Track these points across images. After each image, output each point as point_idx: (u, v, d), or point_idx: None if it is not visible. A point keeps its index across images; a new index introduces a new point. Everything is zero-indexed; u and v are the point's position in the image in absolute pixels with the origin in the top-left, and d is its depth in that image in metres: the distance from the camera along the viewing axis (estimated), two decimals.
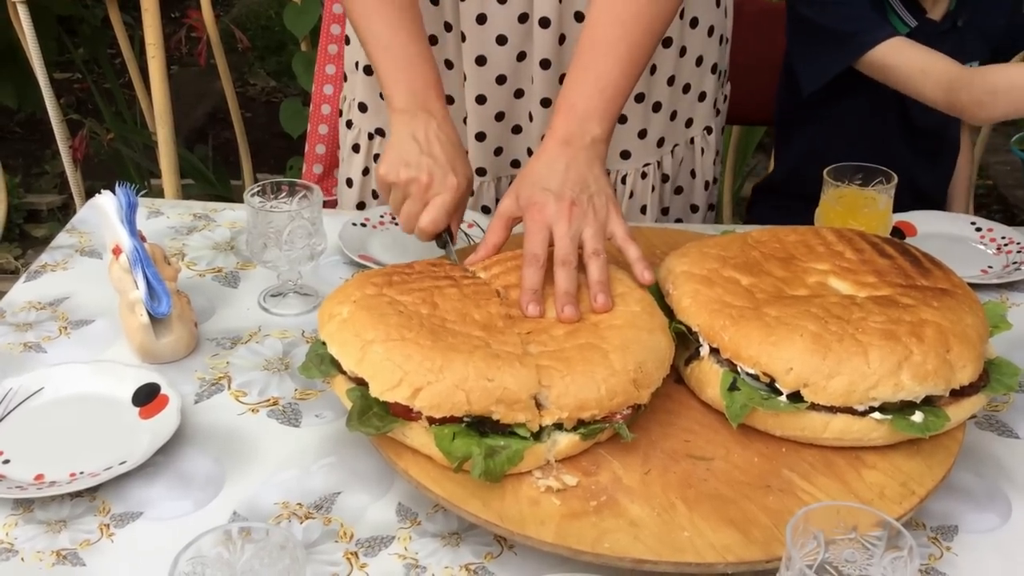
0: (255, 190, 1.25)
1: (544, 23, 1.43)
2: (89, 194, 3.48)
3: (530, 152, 1.55)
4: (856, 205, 1.35)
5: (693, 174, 1.64)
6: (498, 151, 1.57)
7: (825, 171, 1.37)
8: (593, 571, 0.88)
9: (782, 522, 0.88)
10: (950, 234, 1.49)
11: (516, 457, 0.92)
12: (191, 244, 1.42)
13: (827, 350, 0.96)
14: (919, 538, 0.96)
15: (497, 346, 0.96)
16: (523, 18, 1.44)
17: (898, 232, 1.48)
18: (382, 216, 1.49)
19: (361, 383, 0.96)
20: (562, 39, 1.45)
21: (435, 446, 0.92)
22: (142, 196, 1.37)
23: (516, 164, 1.58)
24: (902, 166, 1.45)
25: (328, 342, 0.99)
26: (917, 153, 1.74)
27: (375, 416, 0.94)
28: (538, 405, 0.94)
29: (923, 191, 1.75)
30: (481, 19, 1.44)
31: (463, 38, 1.46)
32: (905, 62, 1.53)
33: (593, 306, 1.04)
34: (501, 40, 1.45)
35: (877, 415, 0.96)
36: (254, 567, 0.76)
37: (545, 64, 1.46)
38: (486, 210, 1.60)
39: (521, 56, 1.47)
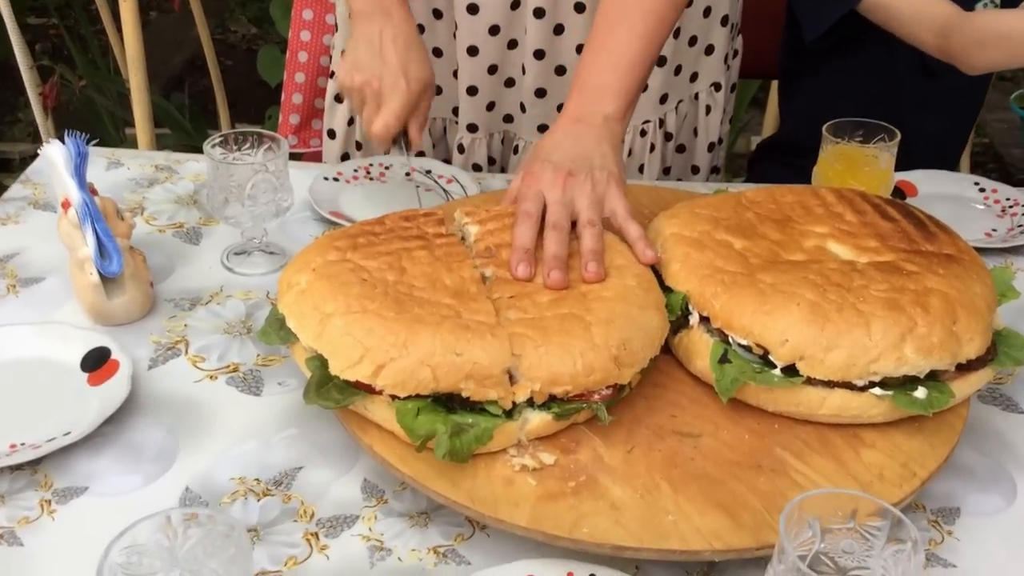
0: (216, 140, 1.17)
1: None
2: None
3: (523, 108, 1.47)
4: (856, 163, 1.28)
5: (696, 132, 1.57)
6: (490, 106, 1.48)
7: (824, 127, 1.29)
8: (571, 556, 0.81)
9: (774, 505, 0.82)
10: (952, 195, 1.42)
11: (485, 436, 0.85)
12: (151, 198, 1.34)
13: (825, 320, 0.89)
14: (918, 521, 0.90)
15: (468, 315, 0.89)
16: None
17: (898, 192, 1.41)
18: (356, 170, 1.41)
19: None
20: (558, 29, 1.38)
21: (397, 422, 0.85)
22: (103, 146, 1.30)
23: (508, 119, 1.50)
24: (916, 115, 1.37)
25: (286, 314, 0.91)
26: (932, 101, 1.64)
27: (335, 388, 0.87)
28: (511, 379, 0.87)
29: (939, 141, 1.67)
30: None
31: None
32: (902, 2, 1.44)
33: (584, 275, 0.97)
34: None
35: (877, 391, 0.89)
36: (197, 555, 0.69)
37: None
38: (477, 168, 1.52)
39: (515, 4, 1.39)
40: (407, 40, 1.20)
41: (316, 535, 0.86)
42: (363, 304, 0.87)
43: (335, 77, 1.23)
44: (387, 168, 1.42)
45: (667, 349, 0.99)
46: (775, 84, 2.09)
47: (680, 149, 1.56)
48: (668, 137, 1.53)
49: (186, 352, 1.07)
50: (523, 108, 1.46)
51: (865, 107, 1.41)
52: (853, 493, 0.72)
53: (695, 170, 1.60)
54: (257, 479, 0.92)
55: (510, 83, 1.46)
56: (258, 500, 0.89)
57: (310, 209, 1.32)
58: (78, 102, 3.02)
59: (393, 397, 0.85)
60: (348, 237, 0.97)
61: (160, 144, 2.51)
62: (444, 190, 1.37)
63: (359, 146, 1.56)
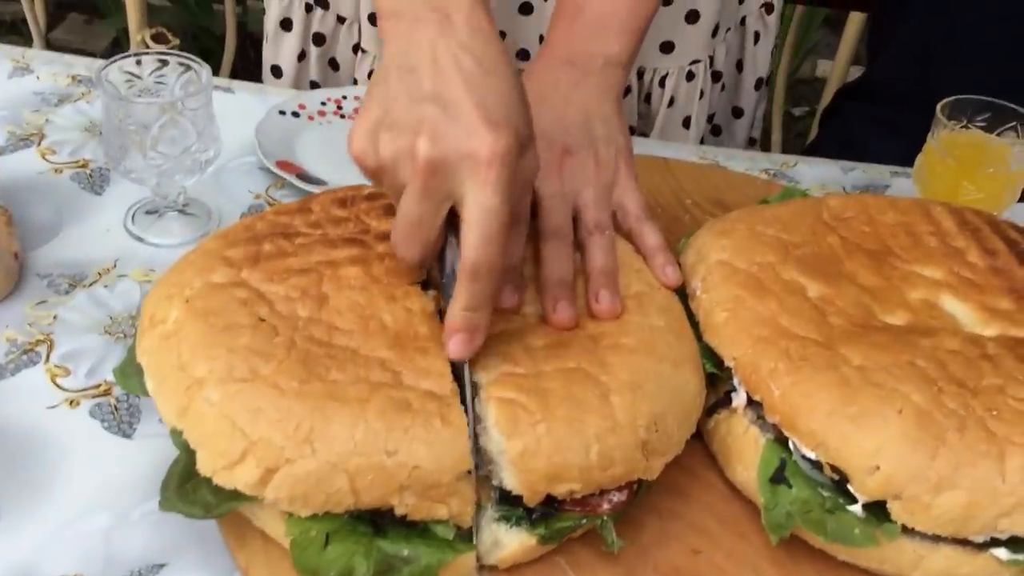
0: (115, 63, 0.86)
1: None
2: (60, 7, 3.07)
3: (542, 40, 1.14)
4: (975, 160, 0.96)
5: (740, 66, 1.24)
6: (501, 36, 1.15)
7: (939, 106, 0.97)
8: None
9: None
10: None
11: None
12: (57, 121, 1.04)
13: (940, 444, 0.60)
14: None
15: (412, 379, 0.60)
16: None
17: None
18: (324, 103, 1.10)
19: None
20: None
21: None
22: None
23: (524, 55, 1.17)
24: None
25: (144, 367, 0.63)
26: None
27: (206, 486, 0.59)
28: (475, 475, 0.59)
29: None
30: None
31: None
32: None
33: (592, 307, 0.68)
34: None
35: (1003, 552, 0.60)
36: None
37: None
38: None
39: None
40: (488, 61, 0.62)
41: None
42: (253, 366, 0.59)
43: (348, 138, 0.64)
44: None
45: (696, 433, 0.70)
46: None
47: (721, 88, 1.25)
48: (716, 77, 1.21)
49: (46, 359, 0.79)
50: (542, 41, 1.14)
51: (988, 62, 1.07)
52: None
53: (737, 113, 1.28)
54: None
55: (526, 9, 1.13)
56: None
57: (256, 153, 1.02)
58: None
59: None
60: (249, 241, 0.67)
61: (153, 19, 2.19)
62: None
63: (315, 87, 1.23)
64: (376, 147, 0.61)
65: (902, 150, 1.10)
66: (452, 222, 0.63)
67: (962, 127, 0.97)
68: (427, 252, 0.64)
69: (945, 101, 0.96)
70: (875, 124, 1.33)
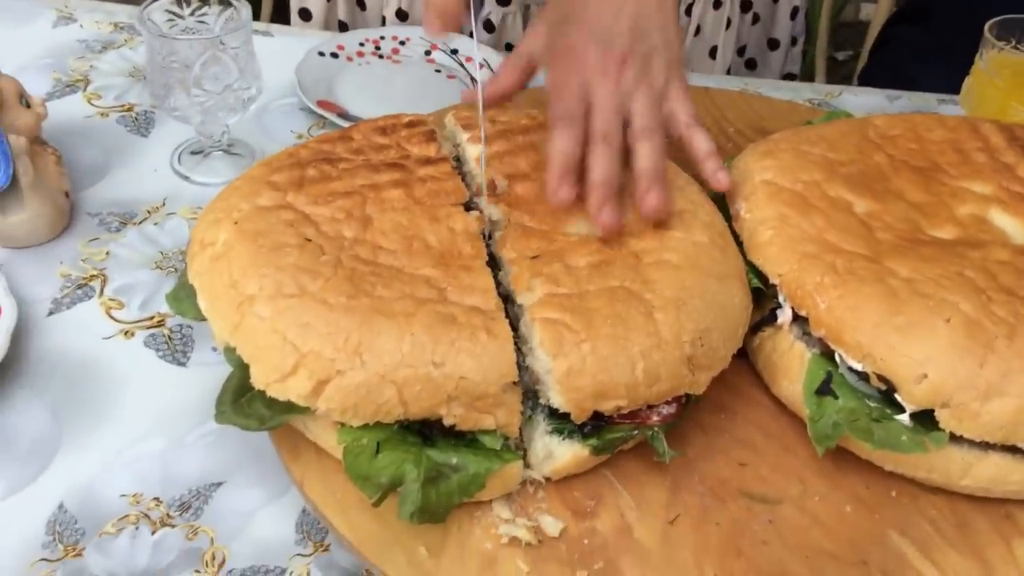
0: (157, 2, 0.87)
1: None
2: None
3: None
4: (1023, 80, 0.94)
5: None
6: None
7: (987, 25, 0.95)
8: None
9: None
10: None
11: (474, 484, 0.58)
12: (101, 67, 1.06)
13: (988, 351, 0.59)
14: None
15: (456, 296, 0.61)
16: None
17: None
18: (362, 44, 1.10)
19: None
20: None
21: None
22: None
23: None
24: None
25: (196, 288, 0.64)
26: None
27: (261, 401, 0.60)
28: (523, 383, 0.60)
29: None
30: None
31: None
32: None
33: (641, 205, 0.67)
34: None
35: None
36: None
37: None
38: (510, 48, 1.20)
39: None
40: None
41: None
42: (301, 283, 0.60)
43: None
44: (403, 43, 1.11)
45: (741, 351, 0.70)
46: None
47: (754, 19, 1.23)
48: (746, 7, 1.20)
49: (100, 293, 0.81)
50: None
51: None
52: None
53: (773, 44, 1.26)
54: (157, 499, 0.67)
55: None
56: (153, 532, 0.65)
57: (297, 94, 1.02)
58: None
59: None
60: (293, 167, 0.68)
61: None
62: (473, 78, 1.06)
63: (343, 28, 1.23)
64: None
65: (952, 81, 1.08)
66: None
67: (1011, 47, 0.95)
68: None
69: (993, 21, 0.94)
70: (924, 52, 1.30)
